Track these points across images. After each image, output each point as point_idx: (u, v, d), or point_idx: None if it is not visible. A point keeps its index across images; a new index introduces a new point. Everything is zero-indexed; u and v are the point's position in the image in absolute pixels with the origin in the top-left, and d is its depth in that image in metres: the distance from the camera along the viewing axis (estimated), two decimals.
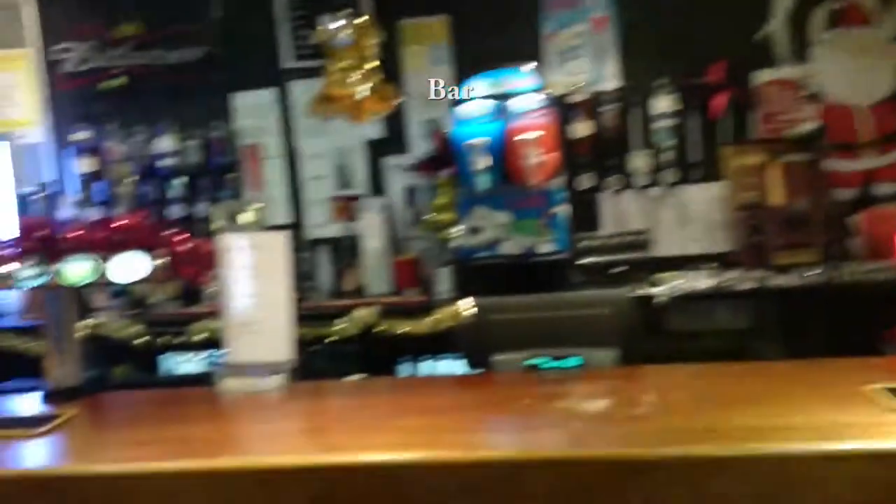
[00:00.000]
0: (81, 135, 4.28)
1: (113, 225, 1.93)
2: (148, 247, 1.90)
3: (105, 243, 1.89)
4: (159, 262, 1.89)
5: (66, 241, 1.91)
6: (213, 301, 3.99)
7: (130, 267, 1.87)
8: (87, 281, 1.87)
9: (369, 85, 3.16)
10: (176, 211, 4.14)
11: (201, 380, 3.05)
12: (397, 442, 1.48)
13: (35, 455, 1.57)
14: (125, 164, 4.16)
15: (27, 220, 2.01)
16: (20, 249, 1.92)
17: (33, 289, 1.88)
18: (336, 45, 3.27)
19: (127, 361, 3.54)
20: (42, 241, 1.91)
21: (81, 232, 1.93)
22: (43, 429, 1.66)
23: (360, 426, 1.64)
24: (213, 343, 3.79)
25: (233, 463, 1.41)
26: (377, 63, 3.33)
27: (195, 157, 4.25)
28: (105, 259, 1.87)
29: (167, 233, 1.96)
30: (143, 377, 3.39)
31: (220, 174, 4.24)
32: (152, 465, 1.39)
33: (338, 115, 3.34)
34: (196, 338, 3.79)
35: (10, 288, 1.88)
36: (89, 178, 4.25)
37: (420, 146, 4.10)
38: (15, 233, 1.97)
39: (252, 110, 4.28)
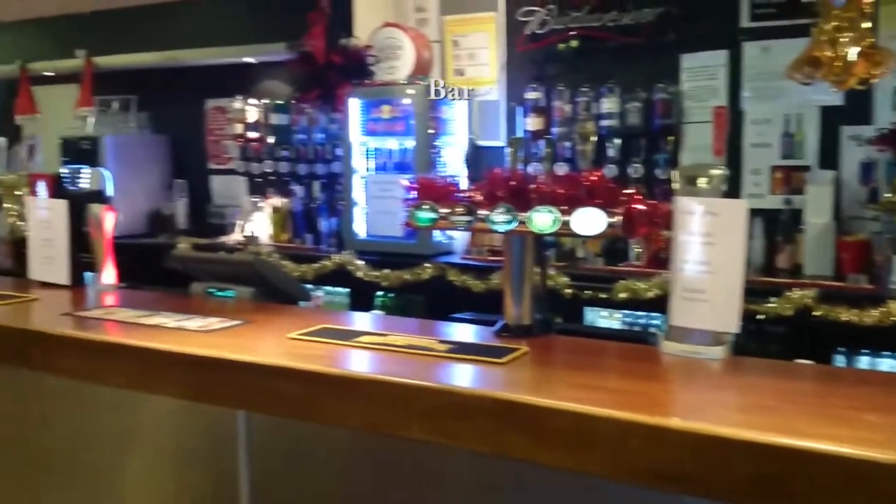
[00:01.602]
0: (532, 94, 4.61)
1: (576, 180, 2.04)
2: (606, 203, 1.98)
3: (567, 197, 2.01)
4: (615, 219, 1.96)
5: (533, 191, 2.06)
6: (639, 261, 4.09)
7: (589, 221, 1.97)
8: (550, 230, 2.01)
9: (859, 48, 2.85)
10: (611, 171, 4.28)
11: (629, 336, 3.15)
12: (861, 437, 1.37)
13: (499, 380, 1.75)
14: (589, 123, 4.32)
15: (498, 170, 2.19)
16: (491, 196, 2.13)
17: (503, 233, 2.07)
18: (832, 2, 2.99)
19: (555, 309, 3.77)
20: (512, 190, 2.10)
21: (547, 184, 2.07)
22: (504, 359, 1.84)
23: (813, 412, 1.54)
24: (635, 303, 3.89)
25: (682, 424, 1.42)
26: (870, 24, 2.98)
27: (635, 119, 4.32)
28: (567, 212, 1.99)
29: (624, 191, 2.02)
30: (572, 326, 3.57)
31: (659, 136, 4.27)
32: (606, 410, 1.46)
33: (820, 79, 3.06)
34: (619, 296, 3.91)
35: (486, 231, 2.10)
36: (536, 136, 4.56)
37: (887, 116, 3.66)
38: (485, 181, 2.19)
39: (700, 72, 4.21)
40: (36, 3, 5.60)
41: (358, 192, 5.02)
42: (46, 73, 6.77)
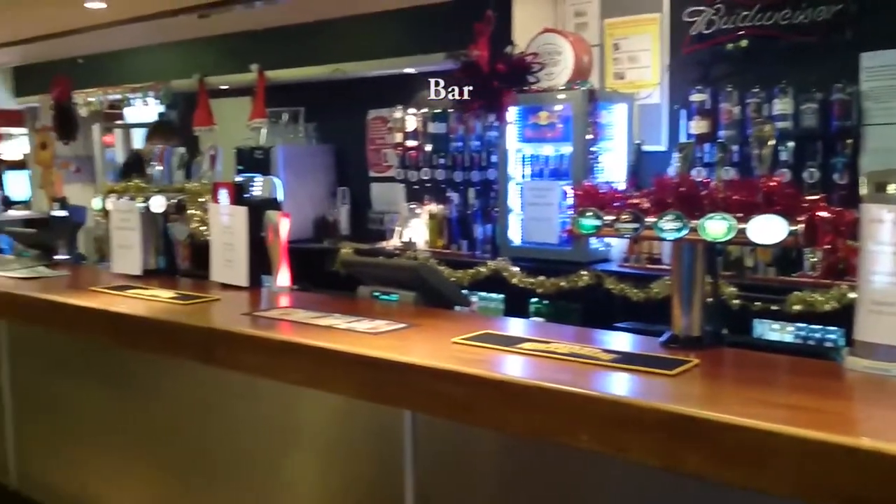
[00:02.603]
0: (698, 96, 4.46)
1: (753, 186, 1.95)
2: (786, 211, 1.88)
3: (742, 204, 1.93)
4: (796, 227, 1.86)
5: (705, 198, 1.99)
6: (814, 272, 3.86)
7: (767, 229, 1.88)
8: (724, 239, 1.93)
9: None
10: (785, 176, 4.06)
11: (807, 351, 2.97)
12: None
13: (669, 393, 1.70)
14: (767, 126, 4.11)
15: (666, 176, 2.14)
16: (659, 203, 2.08)
17: (672, 241, 2.02)
18: None
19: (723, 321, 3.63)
20: (682, 196, 2.04)
21: (720, 191, 1.99)
22: (673, 371, 1.79)
23: None
24: (809, 316, 3.67)
25: (872, 445, 1.33)
26: None
27: (810, 121, 4.09)
28: (742, 219, 1.91)
29: (806, 198, 1.92)
30: (746, 339, 3.42)
31: (836, 139, 4.02)
32: (788, 428, 1.39)
33: None
34: (792, 308, 3.71)
35: (653, 239, 2.05)
36: (700, 140, 4.41)
37: None
38: (653, 187, 2.13)
39: (881, 71, 3.93)
40: (214, 22, 6.00)
41: (513, 198, 5.04)
42: (222, 87, 7.23)
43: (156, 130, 6.26)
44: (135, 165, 5.49)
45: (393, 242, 5.88)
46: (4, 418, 3.37)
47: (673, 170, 4.29)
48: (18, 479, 3.35)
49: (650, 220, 2.05)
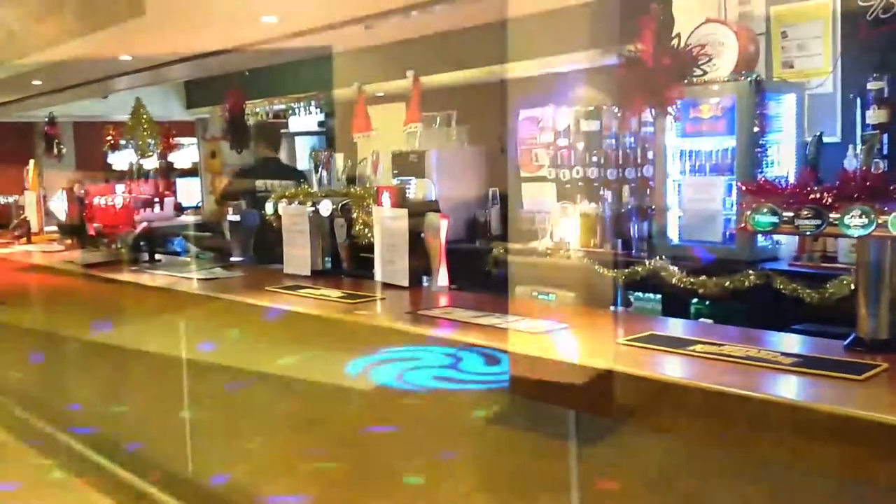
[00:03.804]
0: (875, 84, 4.15)
1: None
2: None
3: None
4: None
5: (894, 191, 1.86)
6: None
7: None
8: None
9: None
10: None
11: None
12: None
13: (859, 399, 1.59)
14: None
15: (850, 169, 2.01)
16: (844, 197, 1.95)
17: (858, 237, 1.90)
18: None
19: None
20: (870, 190, 1.91)
21: None
22: (862, 376, 1.68)
23: None
24: None
25: None
26: None
27: None
28: None
29: None
30: None
31: None
32: None
33: None
34: None
35: (837, 235, 1.93)
36: (879, 130, 4.10)
37: None
38: (837, 181, 2.01)
39: None
40: (371, 33, 6.17)
41: (671, 195, 4.87)
42: (377, 94, 7.44)
43: (258, 137, 6.25)
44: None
45: (544, 242, 5.84)
46: (182, 411, 3.61)
47: (849, 162, 4.01)
48: (193, 470, 3.57)
49: (834, 216, 1.93)
